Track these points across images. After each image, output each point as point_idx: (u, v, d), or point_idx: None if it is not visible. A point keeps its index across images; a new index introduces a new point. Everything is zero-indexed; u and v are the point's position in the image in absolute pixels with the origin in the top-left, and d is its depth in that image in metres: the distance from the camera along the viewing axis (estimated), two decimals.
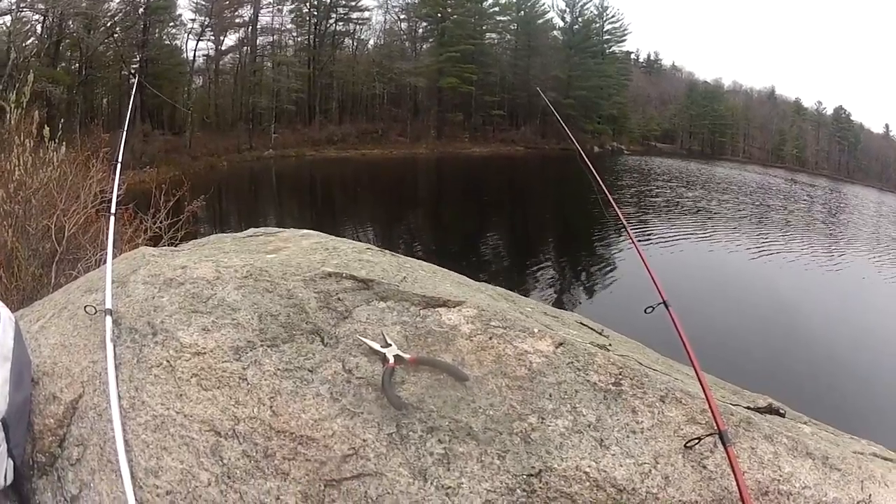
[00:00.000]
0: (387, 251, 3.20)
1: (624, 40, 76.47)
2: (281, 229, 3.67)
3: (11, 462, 1.89)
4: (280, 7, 53.61)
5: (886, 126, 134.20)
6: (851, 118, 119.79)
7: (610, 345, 2.59)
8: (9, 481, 1.89)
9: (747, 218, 24.04)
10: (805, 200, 38.50)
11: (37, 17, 38.04)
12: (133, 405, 2.00)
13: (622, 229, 2.92)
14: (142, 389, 2.04)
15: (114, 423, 1.90)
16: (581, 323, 3.08)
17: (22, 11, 36.32)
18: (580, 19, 69.81)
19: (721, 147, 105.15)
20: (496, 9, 63.86)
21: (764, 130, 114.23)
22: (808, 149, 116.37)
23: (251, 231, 3.59)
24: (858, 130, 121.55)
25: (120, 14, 42.25)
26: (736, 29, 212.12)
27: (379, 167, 38.60)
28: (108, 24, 41.10)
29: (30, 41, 37.47)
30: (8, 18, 36.09)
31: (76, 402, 2.08)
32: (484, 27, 62.47)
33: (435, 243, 12.49)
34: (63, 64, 39.89)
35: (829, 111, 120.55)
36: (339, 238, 3.44)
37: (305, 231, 3.60)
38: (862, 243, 24.03)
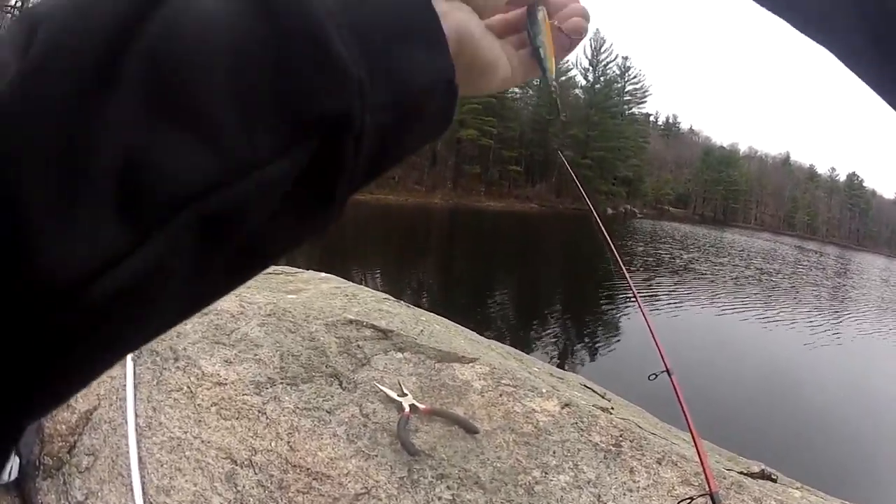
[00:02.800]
0: (403, 302, 3.34)
1: (644, 102, 77.02)
2: (300, 269, 3.84)
3: (17, 459, 2.00)
4: None
5: None
6: (864, 184, 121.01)
7: (612, 408, 2.70)
8: (12, 477, 1.99)
9: (753, 285, 24.01)
10: (812, 269, 38.43)
11: None
12: (150, 424, 2.12)
13: (630, 295, 3.03)
14: (160, 410, 2.17)
15: (129, 439, 2.02)
16: (585, 385, 3.19)
17: None
18: (602, 78, 70.76)
19: (733, 213, 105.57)
20: None
21: (777, 197, 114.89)
22: (820, 216, 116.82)
23: (271, 268, 3.73)
24: (870, 197, 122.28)
25: None
26: (755, 94, 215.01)
27: (393, 213, 38.95)
28: None
29: None
30: None
31: (90, 413, 2.19)
32: None
33: (443, 294, 12.57)
34: None
35: (843, 177, 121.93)
36: (356, 284, 3.60)
37: (324, 274, 3.77)
38: (865, 313, 23.97)
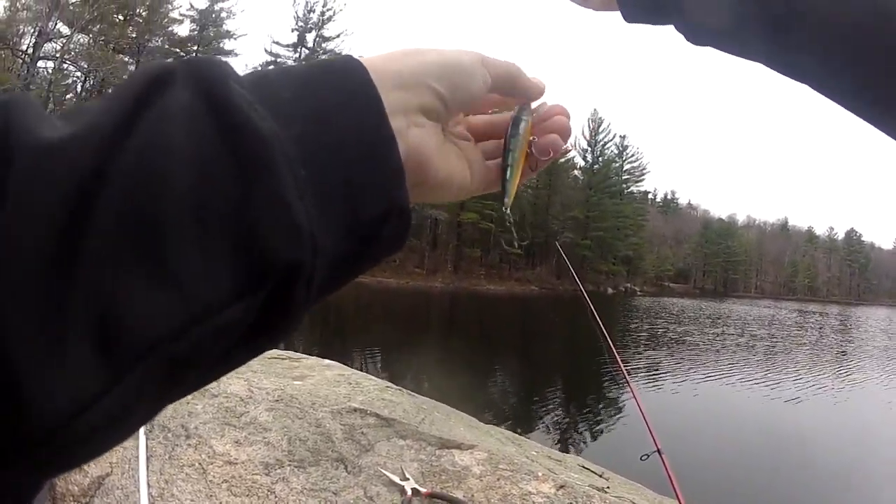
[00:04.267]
0: (405, 391, 3.46)
1: (642, 179, 77.53)
2: (304, 355, 3.98)
3: None
4: None
5: None
6: (863, 239, 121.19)
7: (608, 487, 2.81)
8: None
9: (751, 354, 23.85)
10: (812, 331, 38.19)
11: (78, 74, 39.40)
12: (162, 495, 2.20)
13: (618, 370, 3.15)
14: (172, 483, 2.25)
15: None
16: (583, 466, 3.29)
17: (65, 63, 37.56)
18: (601, 158, 71.15)
19: (734, 284, 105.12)
20: None
21: (776, 264, 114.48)
22: (820, 277, 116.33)
23: (275, 353, 3.87)
24: (869, 250, 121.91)
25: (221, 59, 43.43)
26: (750, 164, 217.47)
27: (393, 295, 38.93)
28: None
29: (69, 96, 38.54)
30: (50, 65, 37.35)
31: (103, 478, 2.26)
32: None
33: (443, 376, 12.51)
34: None
35: (841, 235, 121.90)
36: (359, 372, 3.74)
37: (328, 361, 3.91)
38: (865, 367, 23.75)
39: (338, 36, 55.20)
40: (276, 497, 2.25)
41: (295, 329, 0.35)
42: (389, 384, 3.54)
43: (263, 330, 0.33)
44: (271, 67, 0.39)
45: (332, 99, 0.36)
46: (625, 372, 3.25)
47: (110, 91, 0.33)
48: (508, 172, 0.50)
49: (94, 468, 2.29)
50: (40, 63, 36.82)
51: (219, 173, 0.29)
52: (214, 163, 0.29)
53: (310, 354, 4.21)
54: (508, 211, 0.53)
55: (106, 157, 0.27)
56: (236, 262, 0.29)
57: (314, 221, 0.32)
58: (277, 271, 0.30)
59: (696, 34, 0.60)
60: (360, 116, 0.36)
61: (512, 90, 0.51)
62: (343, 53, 0.41)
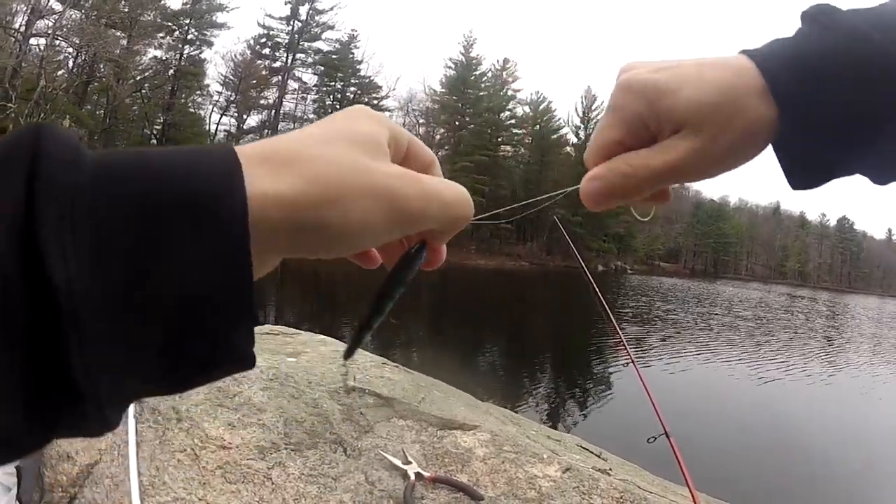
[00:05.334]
0: (402, 367, 3.39)
1: None
2: (297, 331, 3.89)
3: None
4: (304, 95, 55.79)
5: (889, 231, 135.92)
6: (855, 227, 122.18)
7: (610, 469, 2.75)
8: None
9: (745, 335, 24.03)
10: (803, 316, 38.52)
11: (70, 50, 38.67)
12: (153, 483, 2.12)
13: (621, 349, 3.07)
14: (163, 470, 2.17)
15: (132, 497, 2.02)
16: (581, 446, 3.24)
17: (56, 39, 36.81)
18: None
19: (724, 266, 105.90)
20: (513, 121, 64.90)
21: (768, 247, 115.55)
22: (811, 262, 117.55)
23: (268, 328, 3.79)
24: (861, 239, 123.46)
25: (150, 71, 43.15)
26: None
27: (383, 270, 39.01)
28: (138, 78, 41.66)
29: (60, 73, 37.82)
30: (42, 42, 36.64)
31: (92, 466, 2.18)
32: (499, 139, 63.22)
33: (434, 353, 12.51)
34: (89, 107, 40.22)
35: (833, 222, 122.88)
36: None
37: (321, 336, 3.83)
38: (857, 352, 24.05)
39: (331, 9, 54.48)
40: (272, 484, 2.17)
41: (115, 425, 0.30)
42: (386, 360, 3.47)
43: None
44: (129, 152, 0.31)
45: (179, 228, 0.29)
46: (629, 352, 3.20)
47: None
48: (375, 322, 0.43)
49: (82, 456, 2.21)
50: (32, 41, 36.31)
51: (8, 339, 0.25)
52: (7, 323, 0.25)
53: (300, 328, 4.12)
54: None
55: None
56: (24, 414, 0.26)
57: (104, 393, 0.28)
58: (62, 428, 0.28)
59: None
60: (214, 260, 0.29)
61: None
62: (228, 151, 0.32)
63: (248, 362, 0.32)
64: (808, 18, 0.48)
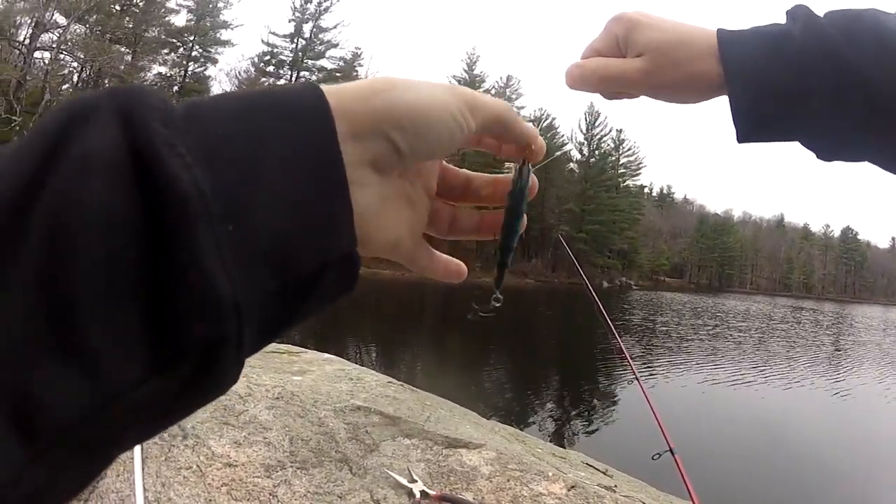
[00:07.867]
0: (407, 386, 3.40)
1: (639, 174, 77.26)
2: (303, 349, 3.91)
3: None
4: None
5: (892, 240, 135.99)
6: (858, 237, 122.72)
7: (616, 486, 2.75)
8: None
9: (749, 349, 23.94)
10: (808, 328, 38.38)
11: (75, 64, 39.13)
12: (159, 499, 2.12)
13: (626, 365, 3.09)
14: (169, 487, 2.17)
15: None
16: (587, 463, 3.24)
17: (61, 53, 37.23)
18: (597, 152, 71.07)
19: (729, 279, 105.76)
20: None
21: (772, 260, 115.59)
22: (815, 274, 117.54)
23: (273, 347, 3.80)
24: (865, 249, 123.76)
25: (154, 88, 43.54)
26: (747, 159, 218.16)
27: (389, 288, 38.92)
28: None
29: (65, 87, 38.29)
30: (47, 56, 37.04)
31: (97, 482, 2.15)
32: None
33: (438, 371, 12.51)
34: None
35: (837, 233, 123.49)
36: (359, 367, 3.69)
37: (327, 355, 3.85)
38: (861, 363, 23.92)
39: (335, 27, 54.87)
40: (278, 501, 2.18)
41: (234, 381, 0.33)
42: (391, 379, 3.48)
43: (194, 392, 0.31)
44: (215, 95, 0.35)
45: (277, 130, 0.32)
46: (633, 368, 3.21)
47: (29, 130, 0.29)
48: (510, 258, 0.48)
49: None
50: (37, 54, 36.69)
51: (130, 238, 0.27)
52: (126, 225, 0.27)
53: (306, 347, 4.14)
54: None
55: (18, 214, 0.25)
56: (150, 339, 0.27)
57: (238, 288, 0.29)
58: (197, 349, 0.28)
59: (822, 151, 0.68)
60: (308, 153, 0.33)
61: (502, 136, 0.47)
62: (308, 82, 0.37)
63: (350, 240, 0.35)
64: (787, 14, 0.65)
